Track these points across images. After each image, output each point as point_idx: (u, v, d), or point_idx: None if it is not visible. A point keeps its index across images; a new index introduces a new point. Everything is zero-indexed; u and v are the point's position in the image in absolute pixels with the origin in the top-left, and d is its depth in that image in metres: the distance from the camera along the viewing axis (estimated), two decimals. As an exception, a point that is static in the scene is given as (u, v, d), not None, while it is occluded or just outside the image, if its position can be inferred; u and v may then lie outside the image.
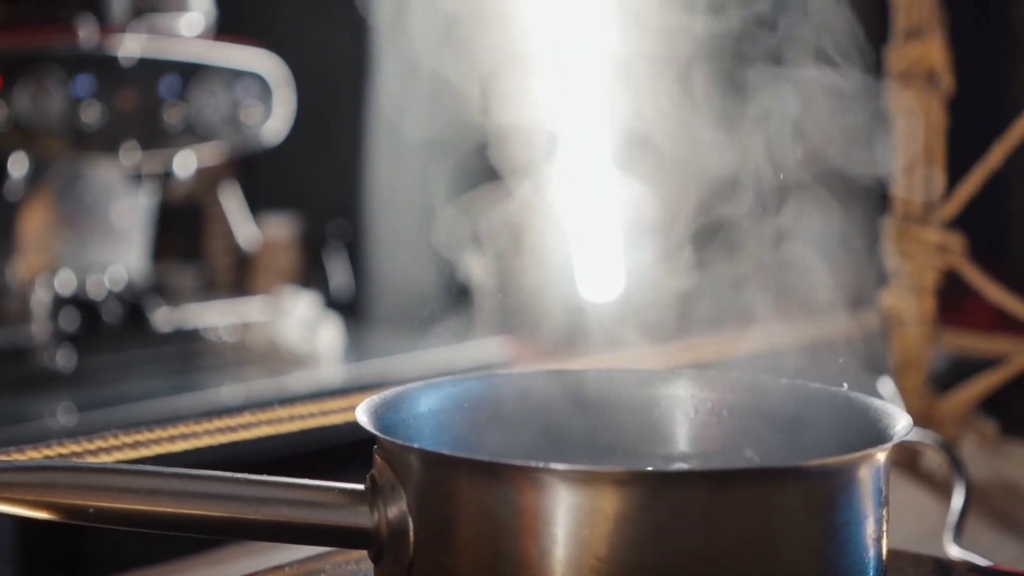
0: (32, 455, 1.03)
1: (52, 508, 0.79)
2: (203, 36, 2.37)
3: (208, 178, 2.57)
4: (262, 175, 2.77)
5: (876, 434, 0.85)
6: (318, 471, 0.89)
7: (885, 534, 0.82)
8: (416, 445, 0.83)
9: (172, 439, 1.12)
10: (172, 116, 2.28)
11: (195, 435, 1.14)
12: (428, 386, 0.93)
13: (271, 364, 2.36)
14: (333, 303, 2.59)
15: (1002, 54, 2.70)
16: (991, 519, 1.29)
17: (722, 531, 0.74)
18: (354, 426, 0.85)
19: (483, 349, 2.40)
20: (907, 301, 1.44)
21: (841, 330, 1.20)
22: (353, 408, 0.85)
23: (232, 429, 1.17)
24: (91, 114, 2.19)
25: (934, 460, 1.40)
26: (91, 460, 1.08)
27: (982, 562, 1.02)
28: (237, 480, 0.81)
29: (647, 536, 0.74)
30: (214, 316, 2.44)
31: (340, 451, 1.23)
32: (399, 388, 0.91)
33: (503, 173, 1.17)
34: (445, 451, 0.83)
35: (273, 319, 2.43)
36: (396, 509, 0.80)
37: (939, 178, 1.44)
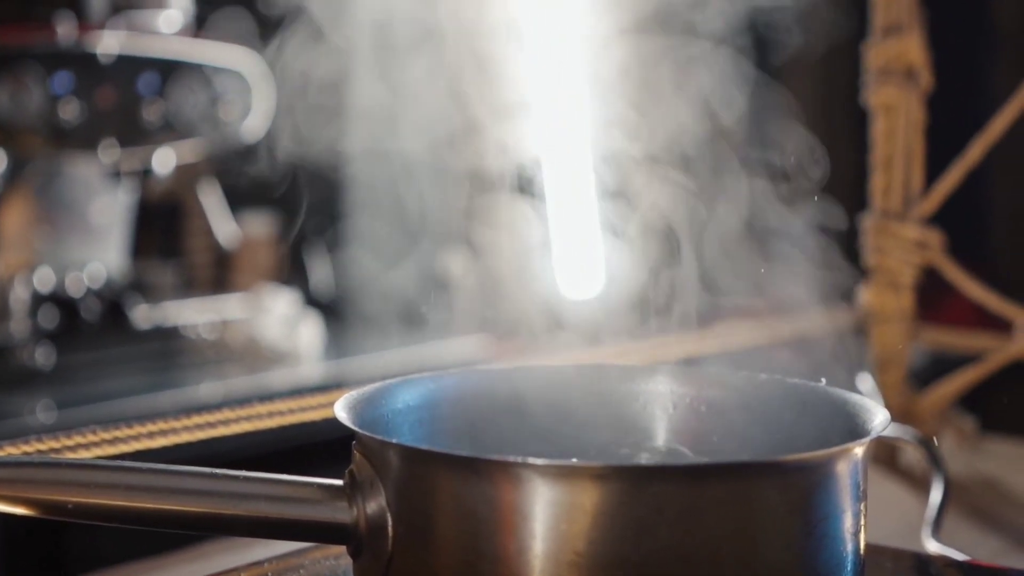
0: (11, 451, 1.03)
1: (31, 503, 0.79)
2: (182, 33, 2.36)
3: (187, 175, 2.57)
4: (241, 172, 2.77)
5: (854, 429, 0.85)
6: (297, 468, 0.89)
7: (863, 528, 0.82)
8: (395, 440, 0.83)
9: (151, 435, 1.12)
10: (151, 113, 2.27)
11: (174, 431, 1.14)
12: (407, 382, 0.93)
13: (251, 362, 2.36)
14: (313, 301, 2.59)
15: (981, 51, 2.70)
16: (969, 515, 1.29)
17: (701, 525, 0.75)
18: (333, 422, 0.85)
19: (463, 347, 2.40)
20: (886, 297, 1.44)
21: (820, 326, 1.21)
22: (332, 404, 0.85)
23: (211, 425, 1.17)
24: (70, 111, 2.18)
25: (913, 456, 1.41)
26: (70, 456, 1.07)
27: (960, 557, 1.03)
28: (216, 476, 0.81)
29: (626, 531, 0.74)
30: (193, 314, 2.44)
31: (319, 448, 1.23)
32: (378, 384, 0.91)
33: (483, 171, 1.17)
34: (424, 446, 0.83)
35: (253, 316, 2.42)
36: (375, 504, 0.80)
37: (918, 174, 1.45)
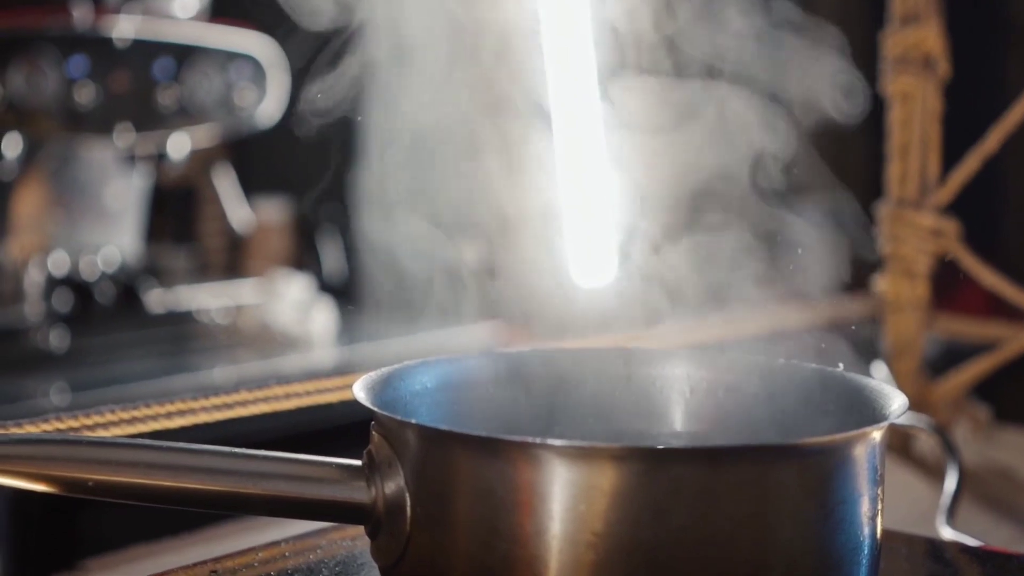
0: (30, 430, 1.03)
1: (51, 481, 0.79)
2: (197, 18, 2.37)
3: (201, 160, 2.57)
4: (256, 157, 2.77)
5: (872, 413, 0.85)
6: (314, 450, 0.89)
7: (880, 513, 0.82)
8: (414, 421, 0.83)
9: (169, 415, 1.12)
10: (166, 98, 2.28)
11: (192, 412, 1.14)
12: (425, 363, 0.94)
13: (264, 346, 2.36)
14: (326, 286, 2.59)
15: (998, 40, 2.70)
16: (983, 503, 1.29)
17: (718, 508, 0.75)
18: (350, 405, 0.85)
19: (476, 333, 2.40)
20: (901, 286, 1.44)
21: (836, 314, 1.21)
22: (349, 387, 0.85)
23: (229, 406, 1.17)
24: (85, 95, 2.18)
25: (927, 444, 1.41)
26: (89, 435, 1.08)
27: (974, 543, 1.03)
28: (235, 454, 0.81)
29: (643, 512, 0.74)
30: (207, 298, 2.44)
31: (336, 431, 1.23)
32: (396, 365, 0.91)
33: (496, 156, 1.17)
34: (443, 427, 0.83)
35: (266, 301, 2.43)
36: (393, 485, 0.80)
37: (934, 163, 1.44)
